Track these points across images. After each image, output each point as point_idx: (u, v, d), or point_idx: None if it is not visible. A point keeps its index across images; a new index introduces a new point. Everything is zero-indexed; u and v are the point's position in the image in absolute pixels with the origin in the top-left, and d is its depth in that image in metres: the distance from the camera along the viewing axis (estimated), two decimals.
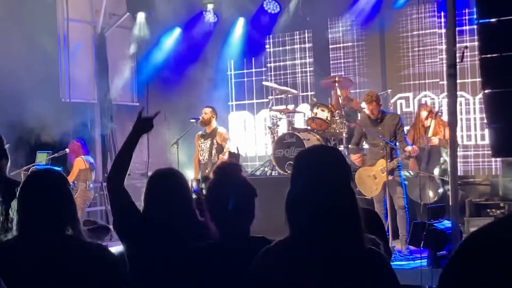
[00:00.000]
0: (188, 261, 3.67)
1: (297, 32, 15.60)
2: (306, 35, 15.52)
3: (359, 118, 11.77)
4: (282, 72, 15.82)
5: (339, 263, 2.88)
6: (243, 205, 3.64)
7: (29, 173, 3.88)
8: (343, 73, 14.61)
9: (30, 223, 3.57)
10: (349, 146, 11.39)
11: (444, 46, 12.00)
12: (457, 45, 7.54)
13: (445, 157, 11.06)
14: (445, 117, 10.96)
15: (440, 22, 13.32)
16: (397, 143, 10.53)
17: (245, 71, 16.41)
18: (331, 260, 2.87)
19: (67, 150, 12.69)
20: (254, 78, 16.27)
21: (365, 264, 2.91)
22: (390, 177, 10.36)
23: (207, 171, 11.80)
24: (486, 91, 6.94)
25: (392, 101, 13.71)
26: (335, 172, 3.01)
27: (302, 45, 15.60)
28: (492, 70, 6.86)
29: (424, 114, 11.51)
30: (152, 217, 4.21)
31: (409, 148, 10.34)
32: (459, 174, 11.86)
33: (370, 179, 10.55)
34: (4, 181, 5.01)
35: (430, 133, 11.27)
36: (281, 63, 15.86)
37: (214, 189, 3.74)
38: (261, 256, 3.07)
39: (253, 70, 16.31)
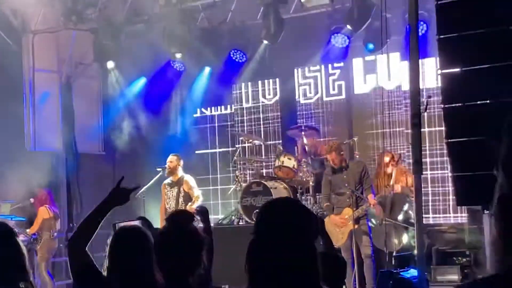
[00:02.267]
0: None
1: (264, 81, 15.68)
2: (272, 84, 15.59)
3: (325, 166, 11.84)
4: (248, 121, 15.83)
5: None
6: (189, 256, 3.66)
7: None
8: (310, 121, 14.67)
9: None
10: (321, 197, 11.43)
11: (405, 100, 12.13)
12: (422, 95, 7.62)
13: (408, 204, 11.15)
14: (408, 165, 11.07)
15: (404, 70, 13.46)
16: (363, 191, 10.57)
17: (209, 120, 16.40)
18: None
19: (31, 200, 12.56)
20: (218, 125, 16.24)
21: None
22: (356, 226, 10.37)
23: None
24: (449, 140, 7.00)
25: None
26: (297, 226, 3.01)
27: (269, 94, 15.66)
28: (455, 120, 6.92)
29: (386, 159, 11.57)
30: (114, 280, 4.13)
31: (371, 197, 10.39)
32: (426, 222, 11.98)
33: (336, 228, 10.56)
34: None
35: (392, 180, 11.34)
36: (248, 111, 15.89)
37: (162, 237, 3.74)
38: None
39: (216, 121, 16.29)
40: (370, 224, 11.00)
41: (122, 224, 4.40)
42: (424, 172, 8.24)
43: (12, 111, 13.20)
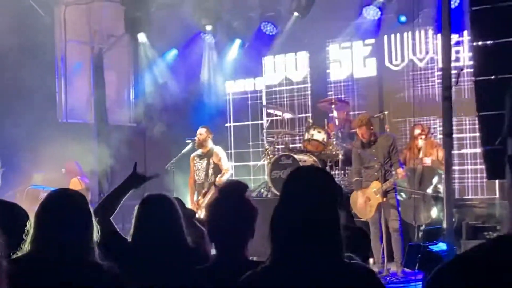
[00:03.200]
0: (184, 285, 3.64)
1: (295, 53, 15.62)
2: (303, 56, 15.53)
3: (355, 140, 11.76)
4: (278, 94, 15.81)
5: (321, 283, 2.87)
6: (243, 227, 3.61)
7: (51, 191, 3.82)
8: (341, 95, 14.61)
9: (45, 242, 3.52)
10: (349, 174, 11.41)
11: (437, 71, 12.02)
12: (453, 68, 7.55)
13: (438, 178, 11.09)
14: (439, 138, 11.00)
15: (436, 45, 13.33)
16: (392, 165, 10.49)
17: (240, 94, 16.40)
18: (311, 280, 2.86)
19: (63, 170, 12.67)
20: (249, 101, 16.24)
21: (349, 279, 2.89)
22: (384, 199, 10.32)
23: (204, 190, 11.81)
24: (480, 113, 6.93)
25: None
26: (320, 194, 3.01)
27: (299, 67, 15.60)
28: (487, 92, 6.85)
29: (417, 131, 11.49)
30: (139, 244, 4.15)
31: (400, 170, 10.32)
32: (456, 196, 11.93)
33: (365, 202, 10.52)
34: None
35: (422, 154, 11.27)
36: (278, 85, 15.86)
37: (215, 209, 3.71)
38: (245, 280, 3.05)
39: (249, 93, 16.29)
40: (398, 197, 10.95)
41: None
42: (454, 146, 8.19)
43: (45, 82, 13.28)
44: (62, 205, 3.64)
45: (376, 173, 10.45)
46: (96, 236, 3.68)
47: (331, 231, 2.93)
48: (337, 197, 3.08)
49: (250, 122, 16.25)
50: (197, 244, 4.12)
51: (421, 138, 11.33)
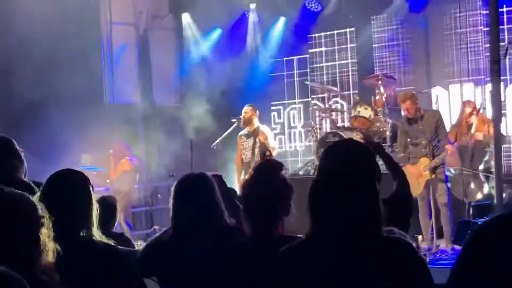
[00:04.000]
0: (219, 261, 3.66)
1: (340, 30, 15.49)
2: (349, 33, 15.41)
3: (402, 116, 11.66)
4: (324, 71, 15.72)
5: (359, 258, 2.85)
6: (278, 204, 3.60)
7: (51, 174, 3.91)
8: (388, 71, 14.46)
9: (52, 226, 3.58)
10: (396, 150, 11.27)
11: (487, 44, 11.82)
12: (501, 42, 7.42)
13: (489, 154, 10.91)
14: (489, 114, 10.84)
15: (484, 19, 13.10)
16: (439, 141, 10.35)
17: (285, 72, 16.35)
18: (350, 257, 2.85)
19: (111, 151, 12.79)
20: (296, 78, 16.20)
21: (387, 254, 2.87)
22: (433, 175, 10.20)
23: (250, 170, 11.79)
24: None
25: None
26: (358, 168, 2.98)
27: (345, 44, 15.49)
28: None
29: (468, 110, 11.32)
30: (178, 221, 4.17)
31: (449, 146, 10.19)
32: (506, 171, 11.75)
33: (413, 178, 10.38)
34: (17, 183, 4.85)
35: (473, 130, 11.11)
36: (324, 63, 15.77)
37: (250, 188, 3.72)
38: (281, 255, 3.06)
39: (296, 71, 16.23)
40: (447, 173, 10.82)
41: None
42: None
43: (91, 64, 13.36)
44: (61, 188, 3.77)
45: (423, 150, 10.32)
46: (96, 215, 3.79)
47: (369, 206, 2.89)
48: (375, 171, 3.05)
49: (295, 100, 16.20)
50: (237, 223, 4.11)
51: (474, 114, 11.14)
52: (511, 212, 2.45)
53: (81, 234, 3.67)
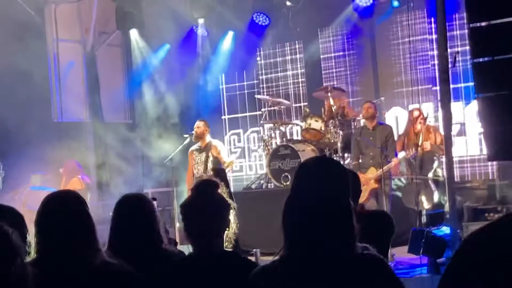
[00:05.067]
0: (157, 280, 3.68)
1: (288, 43, 15.56)
2: (297, 46, 15.47)
3: (352, 127, 11.90)
4: (274, 84, 15.76)
5: (333, 275, 2.85)
6: (216, 222, 3.69)
7: (46, 197, 3.79)
8: (335, 82, 14.56)
9: (48, 247, 3.51)
10: (350, 161, 11.59)
11: (435, 52, 11.99)
12: (449, 50, 7.52)
13: (437, 162, 11.14)
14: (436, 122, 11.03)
15: (431, 28, 13.28)
16: (387, 153, 10.78)
17: (237, 84, 16.35)
18: (324, 275, 2.85)
19: (60, 170, 12.62)
20: (246, 91, 16.21)
21: (362, 271, 2.88)
22: (377, 185, 10.59)
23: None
24: (479, 95, 6.91)
25: (387, 114, 13.72)
26: (332, 184, 2.99)
27: (293, 56, 15.55)
28: (484, 74, 6.83)
29: (415, 114, 11.44)
30: (115, 242, 4.17)
31: (395, 159, 10.60)
32: (455, 179, 11.91)
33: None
34: None
35: (421, 139, 11.25)
36: (273, 75, 15.81)
37: (188, 208, 3.76)
38: (254, 276, 3.05)
39: (245, 83, 16.25)
40: (396, 183, 11.10)
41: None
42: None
43: (38, 82, 13.20)
44: (59, 209, 3.62)
45: (371, 160, 10.71)
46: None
47: (343, 222, 2.90)
48: (349, 187, 3.06)
49: (246, 114, 16.21)
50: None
51: (420, 122, 11.30)
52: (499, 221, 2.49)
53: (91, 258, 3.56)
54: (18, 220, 4.30)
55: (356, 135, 11.36)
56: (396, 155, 10.88)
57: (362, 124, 12.03)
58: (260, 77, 15.97)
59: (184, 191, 12.47)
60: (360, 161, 11.24)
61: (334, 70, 14.91)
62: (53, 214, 3.60)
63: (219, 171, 11.11)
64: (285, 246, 2.96)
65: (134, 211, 4.22)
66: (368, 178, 10.66)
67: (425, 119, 11.39)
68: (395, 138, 11.65)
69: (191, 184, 11.93)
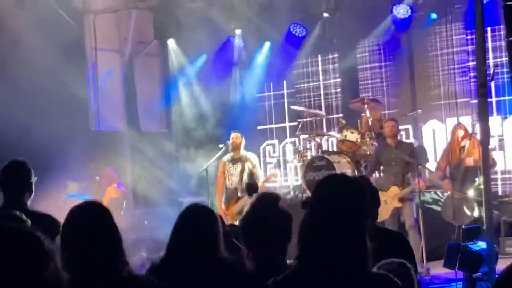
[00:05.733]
0: None
1: (324, 54, 15.53)
2: (334, 57, 15.44)
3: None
4: (310, 94, 15.73)
5: None
6: (279, 235, 3.67)
7: (71, 208, 3.77)
8: (371, 94, 14.50)
9: (74, 260, 3.47)
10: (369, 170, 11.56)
11: (473, 63, 11.85)
12: (489, 62, 7.45)
13: (480, 178, 10.99)
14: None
15: (469, 40, 13.15)
16: (409, 172, 10.70)
17: (272, 93, 16.34)
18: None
19: (97, 178, 12.72)
20: (281, 101, 16.20)
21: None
22: (400, 204, 10.54)
23: (238, 196, 11.72)
24: None
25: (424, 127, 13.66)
26: (347, 204, 2.99)
27: (330, 67, 15.53)
28: None
29: (460, 133, 11.37)
30: (175, 253, 4.14)
31: (419, 181, 10.49)
32: (494, 193, 11.78)
33: (382, 204, 10.44)
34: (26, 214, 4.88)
35: (465, 154, 11.15)
36: (309, 86, 15.79)
37: (251, 219, 3.75)
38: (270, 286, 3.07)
39: (283, 92, 16.24)
40: (432, 197, 11.04)
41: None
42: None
43: (76, 91, 13.32)
44: (86, 222, 3.60)
45: (392, 177, 10.76)
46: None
47: (357, 240, 2.93)
48: (364, 205, 3.05)
49: (281, 124, 16.20)
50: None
51: (466, 138, 11.23)
52: None
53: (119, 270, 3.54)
54: (55, 227, 4.33)
55: (379, 151, 11.32)
56: (420, 175, 10.79)
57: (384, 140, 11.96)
58: (296, 88, 15.95)
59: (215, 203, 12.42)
60: (382, 177, 11.15)
61: (370, 81, 14.86)
62: (78, 226, 3.59)
63: (254, 188, 11.10)
64: (297, 257, 2.99)
65: (197, 220, 4.16)
66: (391, 197, 10.56)
67: (470, 135, 11.30)
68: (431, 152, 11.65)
69: (222, 195, 11.91)
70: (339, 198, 2.99)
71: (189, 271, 3.95)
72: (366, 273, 2.91)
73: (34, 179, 5.21)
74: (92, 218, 3.61)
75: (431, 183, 11.84)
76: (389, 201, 10.46)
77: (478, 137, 11.46)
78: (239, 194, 11.68)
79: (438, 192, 11.59)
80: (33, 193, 5.20)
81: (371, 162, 11.41)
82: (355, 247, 2.90)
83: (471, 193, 11.09)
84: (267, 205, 3.75)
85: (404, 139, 12.46)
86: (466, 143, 11.23)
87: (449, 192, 11.30)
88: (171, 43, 15.54)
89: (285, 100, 16.16)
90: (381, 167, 11.24)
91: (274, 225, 3.65)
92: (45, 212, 4.57)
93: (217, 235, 4.12)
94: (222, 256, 4.09)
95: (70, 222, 3.64)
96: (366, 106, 12.41)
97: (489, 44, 12.71)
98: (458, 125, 11.81)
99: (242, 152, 11.99)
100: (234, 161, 11.98)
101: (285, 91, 16.23)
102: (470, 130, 11.63)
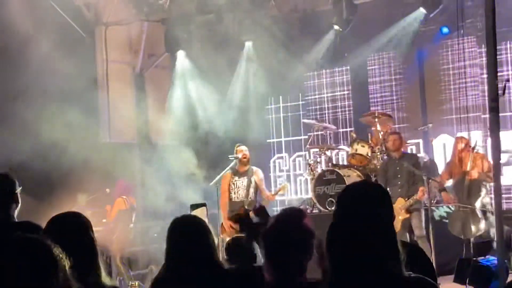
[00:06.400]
0: None
1: (335, 67, 15.53)
2: (344, 69, 15.45)
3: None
4: (320, 107, 15.73)
5: None
6: (302, 252, 3.62)
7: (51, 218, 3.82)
8: (382, 108, 14.48)
9: None
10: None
11: (485, 77, 11.84)
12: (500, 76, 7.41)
13: (485, 190, 11.03)
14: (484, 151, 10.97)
15: (481, 54, 13.13)
16: (413, 183, 10.87)
17: (281, 105, 16.34)
18: None
19: (107, 190, 12.71)
20: (292, 115, 16.18)
21: None
22: (408, 215, 10.77)
23: (246, 207, 11.68)
24: None
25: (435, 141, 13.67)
26: (376, 208, 2.96)
27: (340, 81, 15.52)
28: None
29: (460, 146, 11.42)
30: (173, 266, 4.18)
31: (422, 188, 10.55)
32: (503, 208, 11.72)
33: None
34: (11, 226, 4.89)
35: (469, 167, 11.15)
36: (320, 99, 15.78)
37: (273, 232, 3.70)
38: None
39: (291, 104, 16.23)
40: (446, 211, 11.05)
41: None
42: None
43: (87, 103, 13.34)
44: (63, 231, 3.64)
45: (399, 190, 11.01)
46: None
47: (390, 245, 2.89)
48: (392, 211, 3.04)
49: (292, 138, 16.18)
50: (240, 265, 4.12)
51: (468, 151, 11.24)
52: None
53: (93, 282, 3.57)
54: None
55: (383, 165, 11.59)
56: (425, 184, 10.88)
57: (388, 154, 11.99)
58: (307, 101, 15.95)
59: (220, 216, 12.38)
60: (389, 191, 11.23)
61: (380, 95, 14.85)
62: (58, 234, 3.62)
63: (263, 211, 11.03)
64: (331, 273, 2.94)
65: (188, 232, 4.19)
66: (398, 209, 10.69)
67: (472, 148, 11.30)
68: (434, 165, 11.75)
69: (226, 208, 11.86)
70: (367, 204, 2.97)
71: (189, 283, 3.97)
72: (402, 277, 2.87)
73: (18, 190, 5.19)
74: (67, 229, 3.69)
75: (439, 197, 11.86)
76: (397, 213, 10.52)
77: (481, 150, 11.54)
78: (246, 207, 11.64)
79: (451, 206, 11.58)
80: (19, 204, 5.19)
81: (379, 177, 11.46)
82: (390, 252, 2.87)
83: (477, 205, 11.09)
84: (291, 219, 3.71)
85: (408, 151, 12.59)
86: (470, 156, 11.23)
87: (456, 206, 11.32)
88: (182, 55, 15.52)
89: (295, 113, 16.13)
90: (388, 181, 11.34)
91: (295, 241, 3.61)
92: (37, 224, 4.57)
93: (210, 245, 4.16)
94: (220, 265, 4.13)
95: (51, 229, 3.70)
96: (376, 120, 12.40)
97: (504, 57, 12.73)
98: (459, 138, 11.83)
99: (248, 165, 11.97)
100: (240, 174, 11.96)
101: (295, 105, 16.20)
102: (481, 144, 11.63)
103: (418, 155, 12.72)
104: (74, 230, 3.69)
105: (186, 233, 4.18)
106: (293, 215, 3.76)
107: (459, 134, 12.75)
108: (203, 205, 7.93)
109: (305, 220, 3.73)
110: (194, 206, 9.86)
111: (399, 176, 11.11)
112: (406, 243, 4.52)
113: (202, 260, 4.08)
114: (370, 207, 2.94)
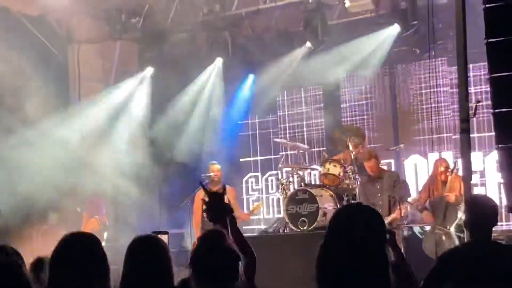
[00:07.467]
0: None
1: (308, 87, 15.59)
2: (316, 88, 15.52)
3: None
4: (292, 126, 15.76)
5: None
6: (226, 271, 3.68)
7: (64, 236, 3.78)
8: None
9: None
10: None
11: (455, 98, 11.97)
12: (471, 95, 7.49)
13: (461, 213, 11.05)
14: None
15: (452, 75, 13.24)
16: (395, 202, 10.89)
17: (251, 122, 16.35)
18: None
19: (78, 209, 12.65)
20: (263, 133, 16.19)
21: None
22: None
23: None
24: (499, 145, 6.87)
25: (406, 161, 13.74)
26: (367, 232, 2.98)
27: (313, 100, 15.58)
28: (505, 125, 6.79)
29: (441, 169, 11.51)
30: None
31: (401, 208, 10.65)
32: None
33: None
34: None
35: (447, 190, 11.23)
36: (292, 119, 15.82)
37: (197, 256, 3.78)
38: None
39: (258, 121, 16.25)
40: (420, 230, 11.12)
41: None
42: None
43: (59, 121, 13.28)
44: (74, 252, 3.65)
45: (380, 209, 10.88)
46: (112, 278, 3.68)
47: (380, 271, 2.92)
48: (384, 236, 3.05)
49: (264, 157, 16.19)
50: None
51: (448, 174, 11.35)
52: None
53: None
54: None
55: (363, 184, 11.56)
56: (405, 201, 10.98)
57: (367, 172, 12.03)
58: (279, 120, 15.98)
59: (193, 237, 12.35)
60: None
61: (352, 114, 14.92)
62: (67, 256, 3.60)
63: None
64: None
65: (146, 253, 4.18)
66: None
67: (451, 170, 11.38)
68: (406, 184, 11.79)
69: (199, 228, 11.86)
70: (358, 227, 2.98)
71: None
72: None
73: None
74: (80, 249, 3.70)
75: (413, 216, 11.92)
76: None
77: (460, 172, 11.60)
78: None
79: (426, 227, 11.69)
80: None
81: (360, 197, 11.46)
82: (379, 278, 2.90)
83: (452, 228, 11.16)
84: (213, 241, 3.79)
85: (386, 168, 12.66)
86: (448, 178, 11.31)
87: (431, 227, 11.39)
88: (155, 73, 15.45)
89: (267, 132, 16.15)
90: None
91: (221, 261, 3.69)
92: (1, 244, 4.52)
93: (168, 264, 4.14)
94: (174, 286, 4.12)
95: (58, 252, 3.67)
96: (348, 139, 12.43)
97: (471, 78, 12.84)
98: (439, 160, 11.94)
99: (221, 184, 11.95)
100: None
101: (267, 124, 16.22)
102: (452, 166, 11.69)
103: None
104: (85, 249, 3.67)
105: (145, 252, 4.17)
106: (213, 236, 3.85)
107: (430, 155, 12.87)
108: (165, 233, 7.89)
109: (228, 241, 3.80)
110: (157, 233, 9.82)
111: (379, 195, 11.18)
112: (399, 266, 4.58)
113: (159, 281, 4.08)
114: (360, 230, 2.96)
